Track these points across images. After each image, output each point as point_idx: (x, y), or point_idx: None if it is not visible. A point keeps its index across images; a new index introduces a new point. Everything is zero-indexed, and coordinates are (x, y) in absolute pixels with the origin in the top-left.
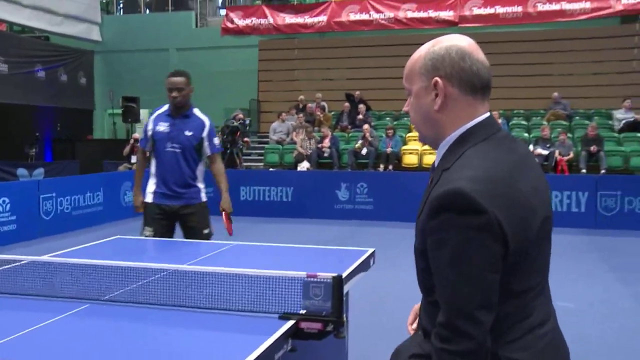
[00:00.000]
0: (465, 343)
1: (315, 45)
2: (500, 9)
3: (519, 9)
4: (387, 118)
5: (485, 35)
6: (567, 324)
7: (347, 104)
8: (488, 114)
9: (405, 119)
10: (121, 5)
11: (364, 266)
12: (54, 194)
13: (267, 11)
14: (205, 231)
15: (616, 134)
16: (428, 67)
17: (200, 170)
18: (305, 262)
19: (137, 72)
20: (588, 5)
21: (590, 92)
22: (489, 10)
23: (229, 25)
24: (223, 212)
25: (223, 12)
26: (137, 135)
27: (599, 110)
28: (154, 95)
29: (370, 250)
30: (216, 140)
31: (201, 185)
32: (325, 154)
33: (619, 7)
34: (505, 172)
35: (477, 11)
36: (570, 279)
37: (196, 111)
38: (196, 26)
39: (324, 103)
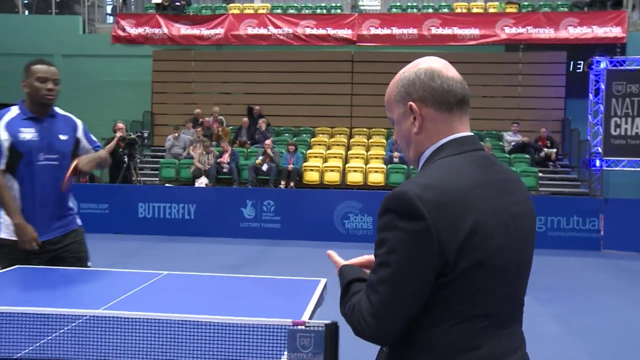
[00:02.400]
0: (365, 332)
1: (213, 58)
2: (396, 30)
3: (415, 31)
4: (287, 134)
5: (382, 54)
6: None
7: (245, 118)
8: (467, 132)
9: (305, 135)
10: None
11: (320, 300)
12: None
13: (161, 21)
14: (90, 263)
15: (507, 155)
16: (402, 93)
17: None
18: (256, 297)
19: (14, 78)
20: (477, 32)
21: (480, 114)
22: (386, 31)
23: (120, 33)
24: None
25: (113, 19)
26: None
27: (489, 131)
28: None
29: (323, 281)
30: (92, 137)
31: (72, 203)
32: (225, 170)
33: (504, 36)
34: (464, 186)
35: (374, 31)
36: None
37: (57, 109)
38: (84, 32)
39: (222, 117)
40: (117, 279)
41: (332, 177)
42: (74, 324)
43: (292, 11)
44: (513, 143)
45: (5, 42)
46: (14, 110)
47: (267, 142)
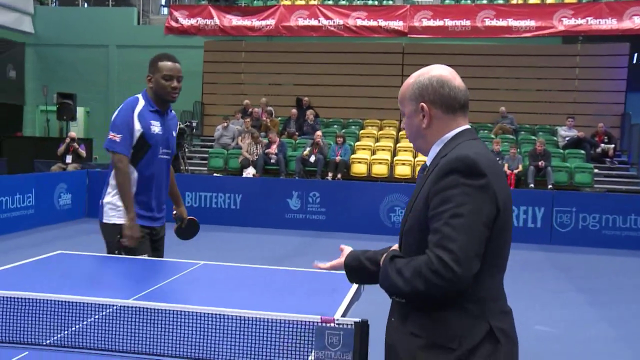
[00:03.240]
0: (450, 281)
1: (263, 49)
2: (449, 22)
3: (468, 22)
4: (335, 126)
5: (434, 47)
6: (551, 351)
7: (294, 110)
8: (469, 125)
9: (353, 127)
10: None
11: (357, 295)
12: None
13: (213, 12)
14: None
15: (561, 150)
16: (416, 94)
17: None
18: (291, 291)
19: (73, 68)
20: (533, 23)
21: (534, 108)
22: (438, 23)
23: (173, 24)
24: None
25: (166, 10)
26: (74, 133)
27: (543, 126)
28: (92, 94)
29: None
30: None
31: None
32: (272, 161)
33: (561, 28)
34: (493, 160)
35: (426, 23)
36: (541, 301)
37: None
38: (138, 23)
39: (270, 108)
40: (154, 268)
41: (380, 169)
42: (103, 314)
43: (343, 2)
44: (567, 138)
45: (65, 34)
46: (141, 101)
47: (318, 133)
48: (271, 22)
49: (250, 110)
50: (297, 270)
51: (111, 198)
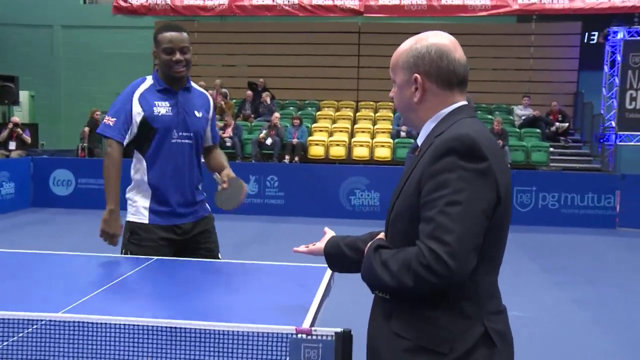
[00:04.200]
0: (443, 277)
1: (216, 29)
2: (405, 1)
3: (424, 1)
4: (291, 107)
5: (390, 26)
6: (532, 336)
7: (249, 92)
8: (465, 101)
9: (310, 108)
10: None
11: (327, 291)
12: None
13: None
14: (220, 255)
15: (517, 129)
16: (410, 63)
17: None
18: (254, 289)
19: (14, 49)
20: (488, 2)
21: (490, 87)
22: (394, 2)
23: (122, 3)
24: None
25: None
26: (17, 119)
27: (499, 105)
28: (36, 77)
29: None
30: (216, 124)
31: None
32: (228, 144)
33: (516, 7)
34: (494, 141)
35: (382, 2)
36: (508, 283)
37: (193, 83)
38: (84, 2)
39: (225, 90)
40: (101, 266)
41: (338, 151)
42: (28, 331)
43: None
44: (524, 117)
45: (3, 12)
46: (148, 81)
47: (276, 115)
48: (224, 1)
49: None
50: (258, 264)
51: (128, 192)
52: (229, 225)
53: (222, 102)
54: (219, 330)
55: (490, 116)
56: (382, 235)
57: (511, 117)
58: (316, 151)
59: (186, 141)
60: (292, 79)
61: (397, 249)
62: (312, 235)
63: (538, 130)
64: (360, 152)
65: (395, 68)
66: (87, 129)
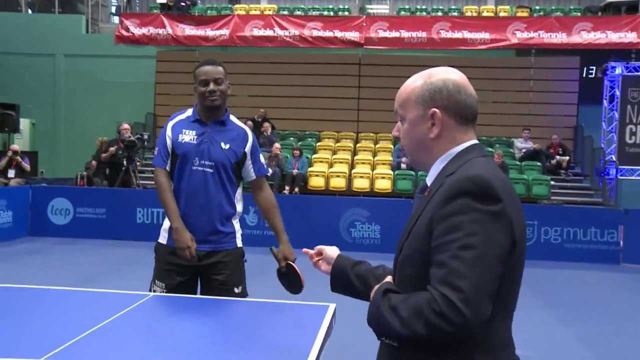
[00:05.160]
0: (457, 326)
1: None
2: (405, 33)
3: (424, 34)
4: (292, 138)
5: (390, 57)
6: None
7: (250, 122)
8: (476, 140)
9: (310, 139)
10: None
11: (329, 331)
12: None
13: (165, 21)
14: (237, 290)
15: (518, 162)
16: (425, 97)
17: (238, 200)
18: (254, 328)
19: (17, 77)
20: (487, 35)
21: (490, 120)
22: (394, 34)
23: (124, 33)
24: (293, 264)
25: (117, 19)
26: (16, 146)
27: (499, 137)
28: (37, 104)
29: (332, 307)
30: (262, 159)
31: (237, 224)
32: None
33: (515, 40)
34: (508, 182)
35: (382, 34)
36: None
37: (234, 118)
38: (87, 32)
39: None
40: (91, 303)
41: (338, 182)
42: None
43: (298, 12)
44: (524, 150)
45: (7, 40)
46: (187, 112)
47: (276, 145)
48: (225, 32)
49: None
50: (259, 302)
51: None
52: None
53: None
54: None
55: (490, 149)
56: (389, 278)
57: (511, 150)
58: (316, 182)
59: (208, 170)
60: (293, 109)
61: (408, 294)
62: (311, 268)
63: (539, 164)
64: (361, 184)
65: (405, 104)
66: (94, 162)
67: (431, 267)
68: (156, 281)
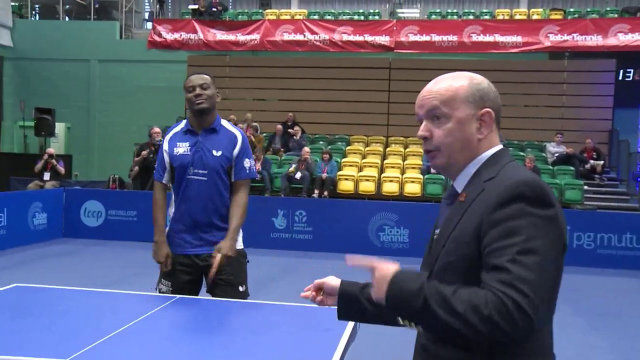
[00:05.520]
0: (521, 329)
1: (248, 64)
2: (436, 37)
3: (455, 38)
4: (321, 142)
5: (421, 62)
6: None
7: (279, 125)
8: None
9: (340, 143)
10: (37, 11)
11: (353, 335)
12: None
13: (197, 26)
14: (242, 288)
15: (550, 167)
16: (476, 96)
17: None
18: (277, 333)
19: (53, 83)
20: (520, 39)
21: (522, 124)
22: (425, 38)
23: (156, 38)
24: (218, 256)
25: (150, 24)
26: (52, 150)
27: (531, 142)
28: (73, 109)
29: None
30: (247, 163)
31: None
32: (257, 178)
33: (548, 44)
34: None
35: (413, 38)
36: None
37: (225, 123)
38: (120, 37)
39: (256, 124)
40: (120, 305)
41: (367, 186)
42: None
43: (329, 17)
44: (556, 154)
45: (46, 48)
46: (181, 124)
47: (306, 149)
48: (256, 36)
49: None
50: (282, 305)
51: None
52: (256, 260)
53: (252, 136)
54: None
55: (522, 153)
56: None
57: (543, 154)
58: (346, 186)
59: (202, 178)
60: (323, 113)
61: (454, 287)
62: (338, 271)
63: (572, 168)
64: (390, 188)
65: (452, 101)
66: (137, 168)
67: (484, 272)
68: (163, 280)
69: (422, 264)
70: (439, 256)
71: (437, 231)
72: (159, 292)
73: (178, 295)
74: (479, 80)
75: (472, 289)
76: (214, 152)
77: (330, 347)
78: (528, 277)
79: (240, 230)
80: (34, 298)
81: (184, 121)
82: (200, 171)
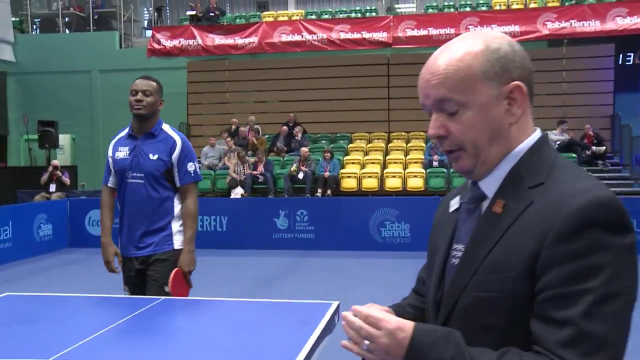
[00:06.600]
0: None
1: (247, 67)
2: (433, 31)
3: (452, 30)
4: (323, 141)
5: (419, 56)
6: None
7: (285, 127)
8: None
9: (342, 141)
10: (37, 25)
11: (330, 326)
12: None
13: (195, 32)
14: (167, 288)
15: None
16: (497, 69)
17: (177, 204)
18: (260, 327)
19: (56, 95)
20: (517, 28)
21: None
22: (422, 32)
23: (156, 46)
24: (174, 271)
25: (149, 32)
26: (56, 162)
27: None
28: (75, 120)
29: (334, 305)
30: (191, 166)
31: (175, 227)
32: (260, 180)
33: (546, 32)
34: None
35: (410, 32)
36: None
37: (166, 128)
38: (120, 47)
39: (257, 126)
40: (103, 308)
41: (370, 183)
42: None
43: (326, 16)
44: (558, 142)
45: (46, 61)
46: (126, 130)
47: (304, 149)
48: (254, 39)
49: (233, 128)
50: (265, 302)
51: None
52: (258, 261)
53: (254, 139)
54: None
55: None
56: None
57: None
58: (349, 184)
59: (139, 181)
60: (324, 112)
61: (500, 351)
62: (340, 268)
63: (574, 155)
64: (393, 183)
65: (466, 83)
66: None
67: (538, 323)
68: (123, 285)
69: (425, 282)
70: (466, 286)
71: (458, 247)
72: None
73: (162, 297)
74: (498, 42)
75: (524, 355)
76: (151, 156)
77: (302, 338)
78: (608, 337)
79: (180, 231)
80: (23, 306)
81: (128, 126)
82: (138, 174)
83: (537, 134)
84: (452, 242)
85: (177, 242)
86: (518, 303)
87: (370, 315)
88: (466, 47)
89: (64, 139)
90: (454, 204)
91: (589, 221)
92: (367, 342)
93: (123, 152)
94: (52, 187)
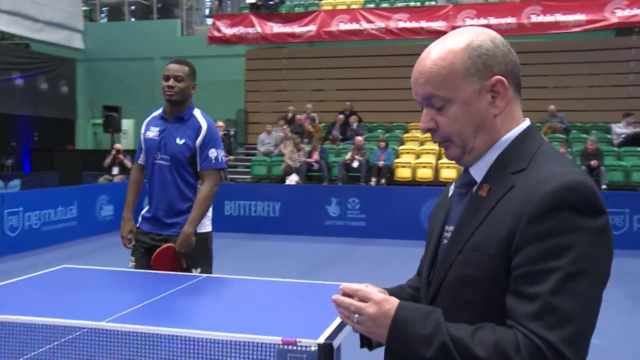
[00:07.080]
0: None
1: (305, 55)
2: (493, 20)
3: (513, 20)
4: (379, 130)
5: None
6: None
7: (341, 115)
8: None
9: (398, 131)
10: (105, 14)
11: None
12: (20, 209)
13: (254, 20)
14: (196, 271)
15: (616, 148)
16: (478, 65)
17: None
18: (285, 307)
19: (120, 81)
20: (583, 17)
21: (586, 106)
22: (482, 21)
23: (216, 34)
24: (165, 245)
25: (210, 20)
26: (119, 145)
27: (596, 123)
28: (138, 105)
29: None
30: (212, 153)
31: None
32: (314, 167)
33: (614, 20)
34: None
35: (470, 22)
36: None
37: (197, 113)
38: (182, 34)
39: (314, 114)
40: (149, 282)
41: (425, 173)
42: (70, 337)
43: (384, 5)
44: (623, 135)
45: (113, 48)
46: (160, 110)
47: (358, 137)
48: (312, 28)
49: (290, 116)
50: (297, 282)
51: None
52: (310, 247)
53: (310, 126)
54: (212, 339)
55: (585, 135)
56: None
57: (608, 136)
58: (403, 173)
59: (165, 163)
60: (380, 102)
61: (474, 327)
62: (389, 257)
63: (639, 149)
64: (448, 174)
65: (449, 81)
66: None
67: (512, 299)
68: (130, 256)
69: (422, 263)
70: (452, 264)
71: (449, 228)
72: (130, 267)
73: (204, 275)
74: (480, 39)
75: (497, 329)
76: (178, 140)
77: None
78: (573, 312)
79: (209, 214)
80: (78, 277)
81: (162, 107)
82: (164, 156)
83: (525, 123)
84: (445, 224)
85: (201, 225)
86: (496, 280)
87: (360, 290)
88: (450, 45)
89: (127, 124)
90: (452, 189)
91: (559, 203)
92: (357, 315)
93: (153, 132)
94: (115, 170)
